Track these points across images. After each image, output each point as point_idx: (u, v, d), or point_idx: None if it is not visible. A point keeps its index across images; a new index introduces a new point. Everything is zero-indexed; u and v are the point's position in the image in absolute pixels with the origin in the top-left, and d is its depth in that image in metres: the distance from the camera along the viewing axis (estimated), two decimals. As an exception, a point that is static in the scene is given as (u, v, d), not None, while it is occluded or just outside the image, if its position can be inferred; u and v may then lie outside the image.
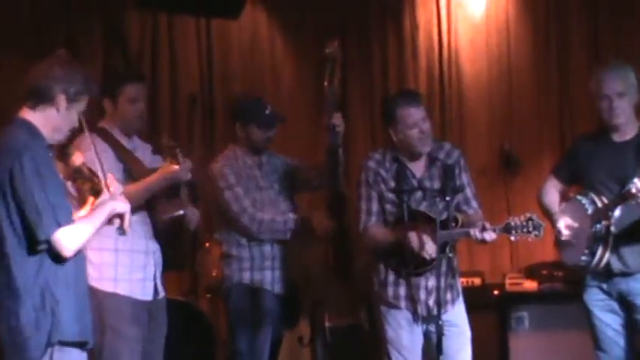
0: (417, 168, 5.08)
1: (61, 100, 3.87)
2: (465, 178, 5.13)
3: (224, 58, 7.73)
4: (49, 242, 3.75)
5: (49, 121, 3.89)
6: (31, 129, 3.86)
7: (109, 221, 3.95)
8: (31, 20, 7.33)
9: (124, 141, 5.12)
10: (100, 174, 4.00)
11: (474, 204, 5.14)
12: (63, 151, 4.06)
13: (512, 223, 4.81)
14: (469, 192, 5.14)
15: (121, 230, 3.98)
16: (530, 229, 4.80)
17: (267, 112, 5.60)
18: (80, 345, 3.87)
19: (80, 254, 3.90)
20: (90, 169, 4.04)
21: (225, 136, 5.81)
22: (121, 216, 3.94)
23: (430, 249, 4.85)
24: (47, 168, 3.80)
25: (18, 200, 3.74)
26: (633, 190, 4.65)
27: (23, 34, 7.21)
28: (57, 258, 3.80)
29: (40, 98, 3.87)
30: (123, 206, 3.95)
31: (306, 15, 7.66)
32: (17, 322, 3.74)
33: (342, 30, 7.49)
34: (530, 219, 4.80)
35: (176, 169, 4.94)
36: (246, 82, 7.60)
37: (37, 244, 3.75)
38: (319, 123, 5.62)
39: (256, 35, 7.74)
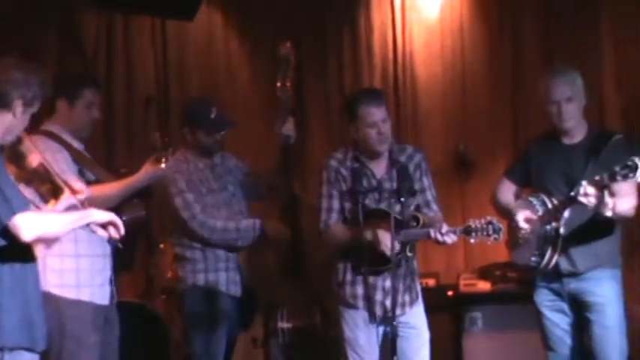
0: (378, 168, 5.09)
1: (18, 105, 3.83)
2: (425, 182, 5.15)
3: (180, 59, 7.72)
4: (6, 231, 3.65)
5: (2, 124, 3.84)
6: None
7: (93, 232, 3.89)
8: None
9: (75, 144, 5.05)
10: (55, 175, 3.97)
11: (435, 207, 5.15)
12: (15, 152, 4.01)
13: (473, 226, 4.83)
14: (429, 195, 5.16)
15: (115, 241, 3.92)
16: (490, 232, 4.83)
17: (213, 116, 5.50)
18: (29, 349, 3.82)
19: (30, 262, 3.83)
20: (47, 170, 4.00)
21: (181, 137, 5.77)
22: (105, 226, 3.88)
23: (387, 242, 4.84)
24: None
25: None
26: (582, 192, 4.69)
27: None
28: (12, 250, 3.71)
29: None
30: (104, 215, 3.89)
31: (261, 16, 7.65)
32: None
33: (297, 31, 7.48)
34: (490, 222, 4.83)
35: (163, 168, 4.95)
36: (202, 83, 7.59)
37: None
38: (274, 123, 5.60)
39: (212, 36, 7.74)
